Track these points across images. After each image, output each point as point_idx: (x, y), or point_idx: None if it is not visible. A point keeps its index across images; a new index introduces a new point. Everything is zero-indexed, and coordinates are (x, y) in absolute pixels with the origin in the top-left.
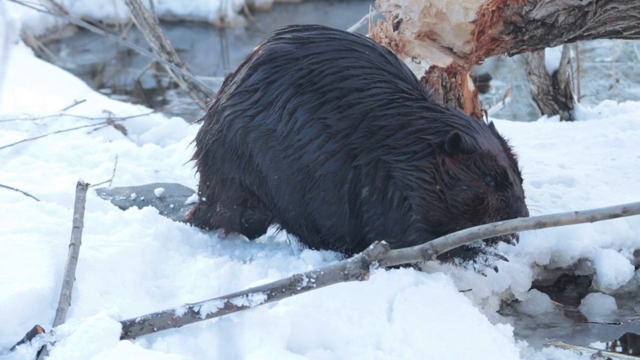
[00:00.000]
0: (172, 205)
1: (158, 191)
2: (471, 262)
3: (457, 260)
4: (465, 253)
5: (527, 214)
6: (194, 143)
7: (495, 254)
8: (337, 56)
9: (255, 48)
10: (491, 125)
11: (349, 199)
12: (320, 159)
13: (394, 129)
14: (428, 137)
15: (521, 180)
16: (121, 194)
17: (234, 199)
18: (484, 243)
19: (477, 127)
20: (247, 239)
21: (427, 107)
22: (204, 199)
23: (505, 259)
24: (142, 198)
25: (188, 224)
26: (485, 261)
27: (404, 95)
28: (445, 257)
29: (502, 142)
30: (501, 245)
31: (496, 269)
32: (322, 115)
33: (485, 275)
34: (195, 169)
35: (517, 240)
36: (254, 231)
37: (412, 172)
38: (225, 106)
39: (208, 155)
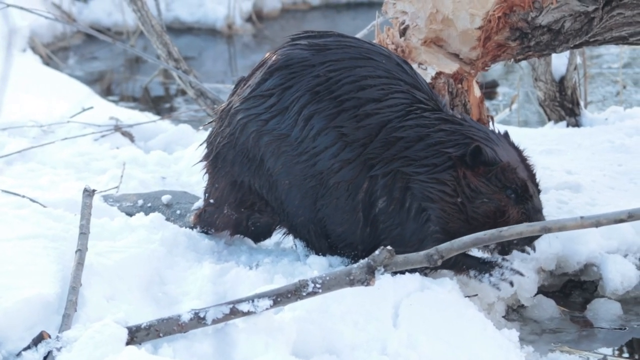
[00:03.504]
0: (178, 212)
1: (165, 198)
2: (487, 275)
3: (472, 272)
4: (482, 266)
5: None
6: (204, 146)
7: (512, 269)
8: (354, 64)
9: (270, 53)
10: (506, 135)
11: (363, 208)
12: (335, 166)
13: (413, 140)
14: (448, 150)
15: (539, 192)
16: (128, 201)
17: (242, 201)
18: (500, 257)
19: (495, 139)
20: (253, 245)
21: (445, 118)
22: (211, 200)
23: (522, 274)
24: (149, 205)
25: (194, 229)
26: (502, 275)
27: (421, 106)
28: (461, 269)
29: (519, 152)
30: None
31: (512, 284)
32: (339, 123)
33: (500, 290)
34: (204, 171)
35: (534, 249)
36: (259, 234)
37: (433, 185)
38: (239, 109)
39: (218, 158)
